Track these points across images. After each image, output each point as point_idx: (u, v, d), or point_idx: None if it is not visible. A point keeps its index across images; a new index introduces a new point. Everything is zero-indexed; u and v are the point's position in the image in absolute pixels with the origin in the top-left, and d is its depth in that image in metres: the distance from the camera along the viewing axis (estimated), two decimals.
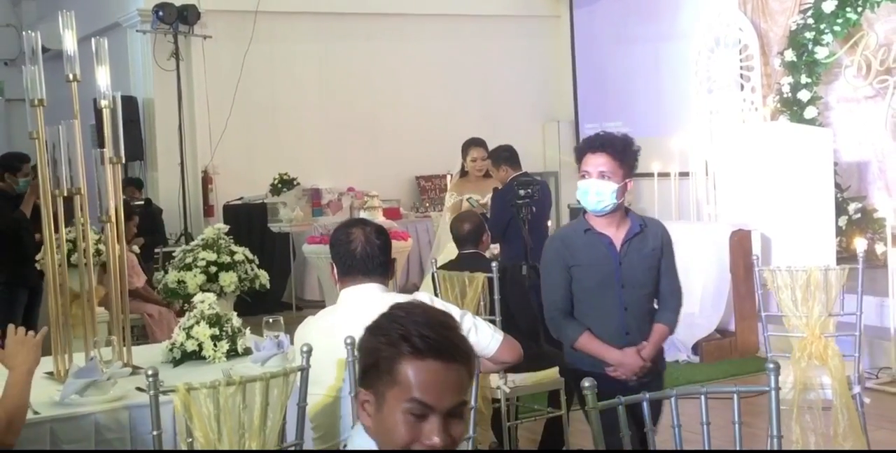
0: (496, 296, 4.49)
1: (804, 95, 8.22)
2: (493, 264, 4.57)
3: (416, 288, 8.18)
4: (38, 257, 5.89)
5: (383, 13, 10.90)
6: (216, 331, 3.94)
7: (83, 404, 3.28)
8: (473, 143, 7.01)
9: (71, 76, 3.78)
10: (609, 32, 11.17)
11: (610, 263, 3.59)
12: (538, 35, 11.89)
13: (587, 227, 3.64)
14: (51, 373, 3.71)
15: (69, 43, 3.75)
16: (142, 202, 9.09)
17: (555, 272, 3.66)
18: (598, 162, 3.54)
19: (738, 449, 2.62)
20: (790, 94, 8.28)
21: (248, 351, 3.88)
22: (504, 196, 6.01)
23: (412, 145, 10.92)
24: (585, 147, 3.60)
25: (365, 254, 3.14)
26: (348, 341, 2.98)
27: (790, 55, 8.30)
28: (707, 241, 7.28)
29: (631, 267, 3.60)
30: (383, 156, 10.86)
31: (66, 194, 3.75)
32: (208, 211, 10.31)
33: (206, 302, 4.04)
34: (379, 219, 7.95)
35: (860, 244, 5.05)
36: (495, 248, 6.09)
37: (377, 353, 1.77)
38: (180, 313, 5.67)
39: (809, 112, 8.20)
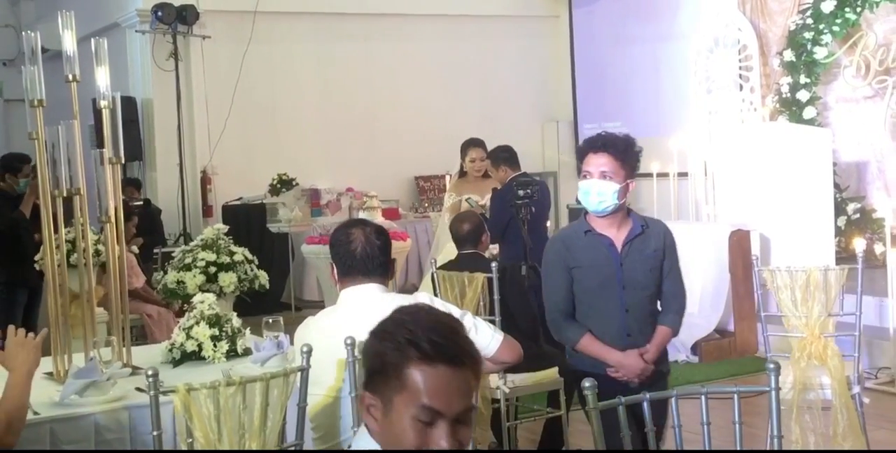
0: (496, 297, 4.49)
1: (803, 95, 8.23)
2: (493, 264, 4.57)
3: (415, 288, 8.18)
4: (37, 257, 5.89)
5: (382, 13, 10.90)
6: (216, 331, 3.94)
7: (83, 404, 3.28)
8: (472, 144, 7.01)
9: (70, 76, 3.77)
10: (608, 33, 11.17)
11: (611, 264, 3.57)
12: (537, 35, 11.89)
13: (588, 229, 3.61)
14: (50, 374, 3.71)
15: (68, 43, 3.75)
16: (141, 202, 9.09)
17: (556, 273, 3.63)
18: (599, 162, 3.52)
19: (738, 449, 2.62)
20: (789, 95, 8.28)
21: (247, 352, 3.88)
22: (503, 196, 6.02)
23: (411, 145, 10.92)
24: (587, 147, 3.58)
25: (365, 254, 3.14)
26: (348, 341, 2.98)
27: (789, 55, 8.30)
28: (706, 241, 7.28)
29: (632, 268, 3.57)
30: (382, 156, 10.86)
31: (65, 194, 3.75)
32: (207, 211, 10.30)
33: (205, 302, 4.04)
34: (378, 219, 7.95)
35: (859, 244, 5.05)
36: (494, 249, 6.08)
37: (384, 358, 1.75)
38: (179, 313, 5.67)
39: (808, 112, 8.20)
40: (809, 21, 8.17)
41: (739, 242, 7.16)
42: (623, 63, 10.88)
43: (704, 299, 7.21)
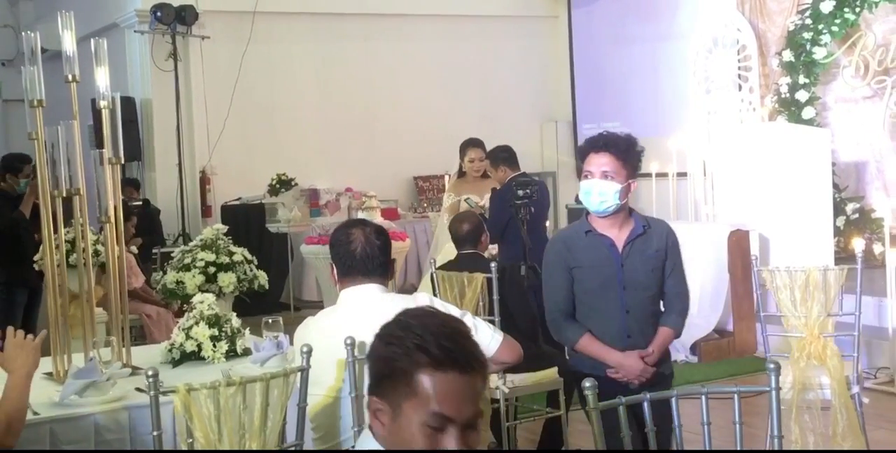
0: (495, 297, 4.49)
1: (802, 96, 8.23)
2: (492, 264, 4.57)
3: (414, 288, 8.18)
4: (36, 258, 5.89)
5: (381, 14, 10.90)
6: (215, 331, 3.94)
7: (82, 405, 3.28)
8: (471, 144, 7.01)
9: (70, 77, 3.77)
10: (607, 33, 11.17)
11: (611, 265, 3.54)
12: (536, 35, 11.89)
13: (588, 229, 3.58)
14: (50, 374, 3.71)
15: (68, 43, 3.75)
16: (140, 203, 9.09)
17: (556, 274, 3.60)
18: (600, 162, 3.49)
19: (738, 449, 2.62)
20: (788, 95, 8.29)
21: (247, 352, 3.88)
22: (503, 196, 6.01)
23: (410, 146, 10.92)
24: (588, 147, 3.54)
25: (365, 254, 3.14)
26: (348, 342, 2.98)
27: (788, 55, 8.30)
28: (705, 242, 7.28)
29: (633, 269, 3.54)
30: (381, 156, 10.86)
31: (64, 194, 3.75)
32: (206, 211, 10.30)
33: (205, 302, 4.04)
34: (377, 219, 7.94)
35: (858, 244, 5.05)
36: (493, 249, 6.08)
37: (392, 363, 1.73)
38: (178, 313, 5.67)
39: (807, 112, 8.21)
40: (808, 21, 8.17)
41: (738, 242, 7.17)
42: (622, 63, 10.89)
43: (704, 299, 7.21)
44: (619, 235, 3.57)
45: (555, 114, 11.94)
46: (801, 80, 8.24)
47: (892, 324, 6.16)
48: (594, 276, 3.55)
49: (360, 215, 7.98)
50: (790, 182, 7.24)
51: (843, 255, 7.33)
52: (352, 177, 10.57)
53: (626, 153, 3.51)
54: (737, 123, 8.89)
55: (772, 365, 2.51)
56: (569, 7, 11.71)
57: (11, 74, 12.85)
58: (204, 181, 10.33)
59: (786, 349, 4.56)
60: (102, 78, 3.88)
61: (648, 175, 8.56)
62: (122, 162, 3.99)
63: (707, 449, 2.64)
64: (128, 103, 9.72)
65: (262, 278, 5.51)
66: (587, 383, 2.44)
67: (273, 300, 9.14)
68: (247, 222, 9.73)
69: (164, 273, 5.58)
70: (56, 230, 3.77)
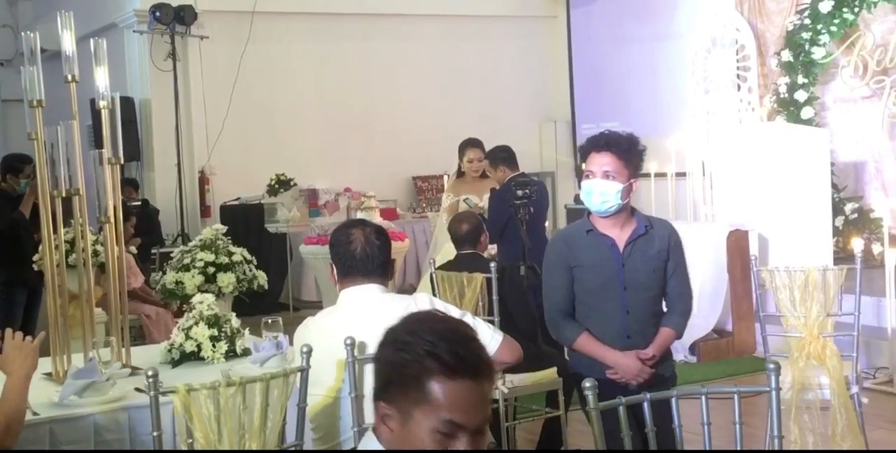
0: (494, 297, 4.49)
1: (801, 96, 8.23)
2: (492, 264, 4.57)
3: (413, 288, 8.18)
4: (35, 258, 5.88)
5: (380, 14, 10.90)
6: (215, 331, 3.94)
7: (82, 405, 3.28)
8: (470, 144, 7.01)
9: (70, 77, 3.77)
10: (606, 33, 11.17)
11: (612, 265, 3.50)
12: (535, 35, 11.90)
13: (589, 228, 3.54)
14: (50, 374, 3.71)
15: (68, 43, 3.74)
16: (139, 203, 9.08)
17: (556, 273, 3.57)
18: (602, 161, 3.45)
19: (739, 449, 2.62)
20: (787, 95, 8.29)
21: (246, 352, 3.88)
22: (502, 196, 6.02)
23: (409, 146, 10.92)
24: (590, 146, 3.50)
25: (365, 254, 3.14)
26: (348, 342, 2.98)
27: (787, 55, 8.31)
28: (704, 242, 7.28)
29: (634, 269, 3.50)
30: (380, 156, 10.86)
31: (64, 195, 3.74)
32: (205, 211, 10.30)
33: (205, 302, 4.04)
34: (375, 219, 7.94)
35: (857, 244, 5.05)
36: (492, 249, 6.08)
37: (402, 369, 1.72)
38: (178, 314, 5.67)
39: (806, 112, 8.21)
40: (807, 21, 8.17)
41: (737, 242, 7.17)
42: (621, 63, 10.89)
43: (703, 299, 7.19)
44: (620, 235, 3.53)
45: (553, 114, 11.94)
46: (800, 79, 8.25)
47: (890, 323, 6.16)
48: (595, 276, 3.52)
49: (359, 215, 7.98)
50: (789, 182, 7.24)
51: (842, 255, 7.34)
52: (351, 177, 10.57)
53: (628, 152, 3.48)
54: (736, 123, 8.89)
55: (772, 366, 2.51)
56: (567, 7, 11.71)
57: (10, 74, 12.83)
58: (203, 181, 10.33)
59: (785, 349, 4.56)
60: (102, 78, 3.87)
61: (647, 175, 8.55)
62: (122, 162, 3.99)
63: (707, 449, 2.64)
64: (126, 103, 9.71)
65: (262, 278, 5.51)
66: (587, 383, 2.43)
67: (272, 300, 9.13)
68: (246, 222, 9.73)
69: (164, 273, 5.57)
70: (55, 230, 3.76)
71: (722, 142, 8.27)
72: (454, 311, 3.20)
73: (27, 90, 3.64)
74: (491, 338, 3.17)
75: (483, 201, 6.73)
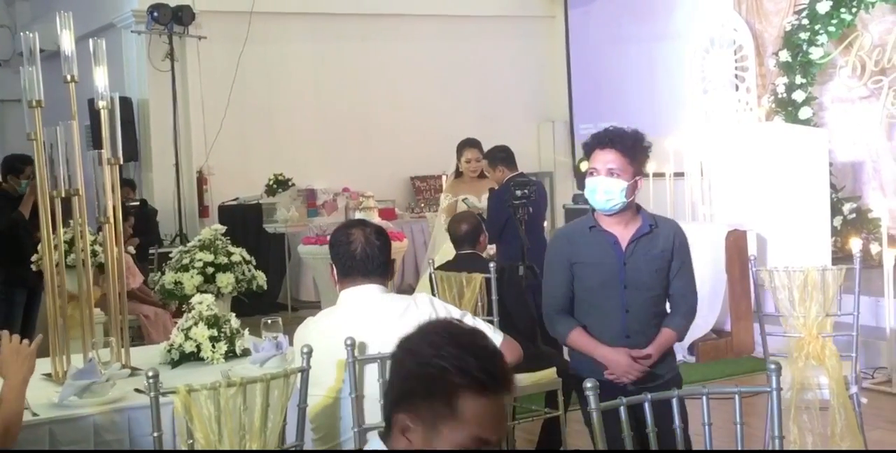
0: (494, 297, 4.49)
1: (799, 96, 8.24)
2: (491, 265, 4.57)
3: (412, 288, 8.18)
4: (34, 258, 5.88)
5: (378, 14, 10.90)
6: (214, 332, 3.94)
7: (82, 406, 3.28)
8: (468, 144, 7.01)
9: (69, 77, 3.76)
10: (604, 33, 11.18)
11: (613, 263, 3.42)
12: (533, 35, 11.90)
13: (592, 225, 3.47)
14: (49, 375, 3.70)
15: (66, 44, 3.74)
16: (137, 203, 9.07)
17: (557, 269, 3.50)
18: (606, 158, 3.40)
19: (739, 449, 2.62)
20: (785, 95, 8.30)
21: (246, 353, 3.88)
22: (501, 196, 6.01)
23: (407, 146, 10.92)
24: (594, 142, 3.44)
25: (365, 255, 3.14)
26: (348, 342, 2.98)
27: (785, 56, 8.32)
28: (703, 242, 7.26)
29: (636, 268, 3.42)
30: (378, 156, 10.86)
31: (63, 195, 3.74)
32: (203, 211, 10.30)
33: (204, 303, 4.03)
34: (374, 219, 7.94)
35: (855, 244, 5.05)
36: (491, 249, 6.09)
37: (429, 383, 1.69)
38: (176, 314, 5.67)
39: (804, 112, 8.22)
40: (805, 21, 8.18)
41: (736, 242, 7.17)
42: (619, 63, 10.89)
43: (701, 299, 7.05)
44: (624, 233, 3.46)
45: (552, 114, 11.95)
46: (798, 80, 8.26)
47: (889, 323, 6.16)
48: (595, 274, 3.45)
49: (358, 215, 7.99)
50: (787, 182, 7.24)
51: (840, 255, 7.35)
52: (349, 177, 10.56)
53: (633, 149, 3.42)
54: (734, 123, 8.89)
55: (773, 366, 2.51)
56: (565, 7, 11.71)
57: (7, 74, 12.81)
58: (201, 181, 10.32)
59: (784, 349, 4.56)
60: (101, 78, 3.87)
61: (646, 175, 8.55)
62: (121, 162, 3.98)
63: (707, 449, 2.64)
64: (124, 104, 9.69)
65: (261, 278, 5.51)
66: (588, 383, 2.42)
67: (270, 300, 9.14)
68: (244, 222, 9.73)
69: (162, 273, 5.57)
70: (55, 230, 3.76)
71: (720, 143, 8.27)
72: (454, 312, 3.21)
73: (26, 90, 3.63)
74: (490, 338, 3.16)
75: (482, 201, 6.73)
